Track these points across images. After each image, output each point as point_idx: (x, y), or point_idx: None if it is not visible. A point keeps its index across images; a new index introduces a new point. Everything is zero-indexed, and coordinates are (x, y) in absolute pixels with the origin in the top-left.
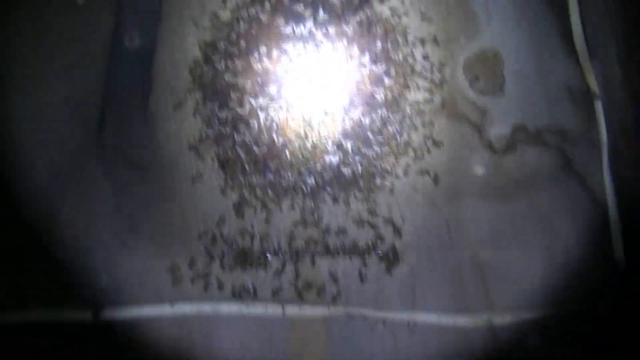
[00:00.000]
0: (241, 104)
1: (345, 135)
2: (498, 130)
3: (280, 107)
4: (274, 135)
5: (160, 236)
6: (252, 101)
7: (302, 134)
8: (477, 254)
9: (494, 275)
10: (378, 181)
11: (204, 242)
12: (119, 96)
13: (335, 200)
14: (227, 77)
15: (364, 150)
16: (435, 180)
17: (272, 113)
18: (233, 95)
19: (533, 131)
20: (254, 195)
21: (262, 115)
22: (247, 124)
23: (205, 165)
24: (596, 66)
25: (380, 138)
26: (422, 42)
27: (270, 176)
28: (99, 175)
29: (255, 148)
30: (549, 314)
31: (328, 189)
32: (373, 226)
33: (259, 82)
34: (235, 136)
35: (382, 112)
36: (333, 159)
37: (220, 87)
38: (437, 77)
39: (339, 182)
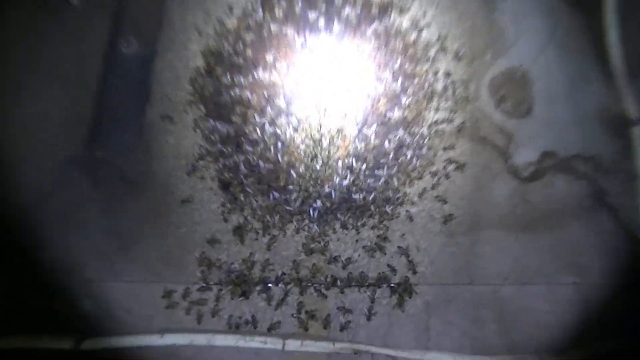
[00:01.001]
0: (245, 119)
1: (358, 156)
2: (525, 156)
3: (288, 124)
4: (280, 155)
5: (152, 259)
6: (258, 117)
7: (311, 153)
8: (498, 290)
9: (516, 313)
10: (392, 207)
11: (200, 268)
12: (113, 106)
13: (344, 226)
14: (231, 89)
15: (377, 173)
16: (454, 208)
17: (278, 130)
18: (237, 109)
19: (563, 158)
20: (256, 219)
21: (268, 132)
22: (251, 142)
23: (204, 184)
24: (635, 89)
25: (395, 161)
26: (445, 58)
27: (275, 199)
28: (89, 191)
29: (259, 168)
30: (575, 357)
31: (337, 214)
32: (385, 256)
33: (266, 96)
34: (238, 154)
35: (399, 132)
36: (343, 181)
37: (224, 100)
38: (460, 97)
39: (349, 207)
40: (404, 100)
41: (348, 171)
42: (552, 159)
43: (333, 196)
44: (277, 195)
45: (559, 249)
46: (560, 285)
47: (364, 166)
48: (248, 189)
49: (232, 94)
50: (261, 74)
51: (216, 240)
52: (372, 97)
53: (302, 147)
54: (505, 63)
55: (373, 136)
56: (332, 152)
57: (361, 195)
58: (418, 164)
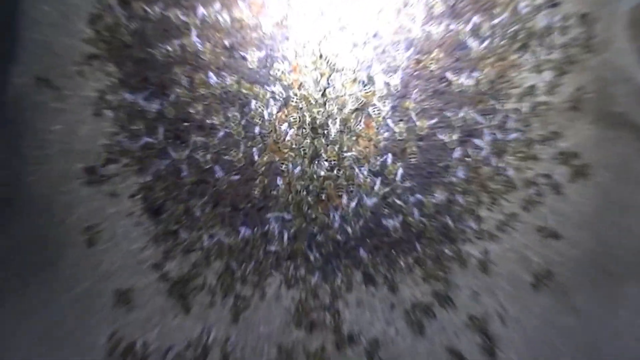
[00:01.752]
0: (192, 88)
1: (393, 152)
2: None
3: (271, 95)
4: (255, 151)
5: (25, 341)
6: (214, 81)
7: (309, 147)
8: None
9: None
10: (454, 246)
11: (113, 355)
12: None
13: (369, 279)
14: (165, 35)
15: (427, 183)
16: (568, 245)
17: (253, 105)
18: (176, 70)
19: None
20: (211, 268)
21: (231, 112)
22: (202, 129)
23: (118, 206)
24: None
25: (459, 160)
26: None
27: (246, 231)
28: None
29: (216, 175)
30: None
31: (355, 257)
32: (445, 332)
33: (227, 45)
34: (179, 152)
35: (463, 110)
36: (367, 198)
37: (151, 55)
38: (576, 44)
39: (378, 244)
40: (475, 48)
41: (376, 180)
42: None
43: (348, 226)
44: (250, 225)
45: None
46: None
47: (402, 170)
48: (197, 215)
49: (167, 44)
50: (217, 7)
51: (140, 307)
52: (416, 45)
53: (293, 135)
54: None
55: (417, 116)
56: (345, 145)
57: (398, 222)
58: (500, 164)
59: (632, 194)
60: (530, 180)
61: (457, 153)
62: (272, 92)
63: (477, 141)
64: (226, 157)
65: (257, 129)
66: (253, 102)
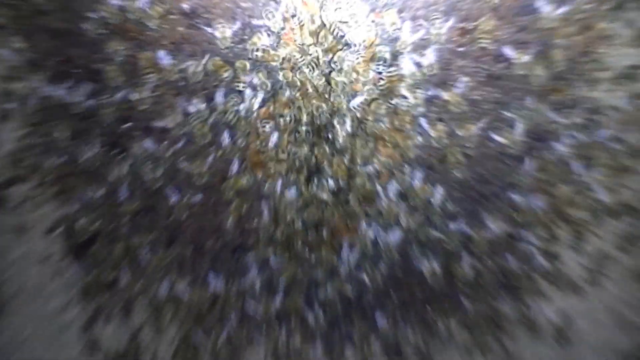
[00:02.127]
0: (134, 74)
1: (432, 167)
2: None
3: (250, 84)
4: (229, 164)
5: None
6: (168, 62)
7: (305, 159)
8: None
9: None
10: (516, 301)
11: None
12: None
13: (391, 347)
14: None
15: (478, 210)
16: None
17: (223, 98)
18: (112, 46)
19: None
20: (163, 335)
21: (195, 107)
22: (152, 131)
23: (31, 244)
24: None
25: (524, 176)
26: None
27: (215, 282)
28: None
29: (171, 201)
30: None
31: (374, 318)
32: None
33: (189, 10)
34: (117, 166)
35: (533, 102)
36: (390, 232)
37: (78, 24)
38: None
39: (405, 298)
40: (547, 13)
41: (402, 205)
42: None
43: (364, 273)
44: (220, 273)
45: None
46: None
47: (443, 190)
48: (143, 258)
49: (101, 9)
50: None
51: None
52: (460, 8)
53: (284, 141)
54: None
55: (462, 112)
56: (359, 154)
57: (438, 264)
58: (585, 185)
59: None
60: (629, 204)
61: (520, 165)
62: (253, 75)
63: (550, 147)
64: (184, 172)
65: (226, 134)
66: (223, 90)
